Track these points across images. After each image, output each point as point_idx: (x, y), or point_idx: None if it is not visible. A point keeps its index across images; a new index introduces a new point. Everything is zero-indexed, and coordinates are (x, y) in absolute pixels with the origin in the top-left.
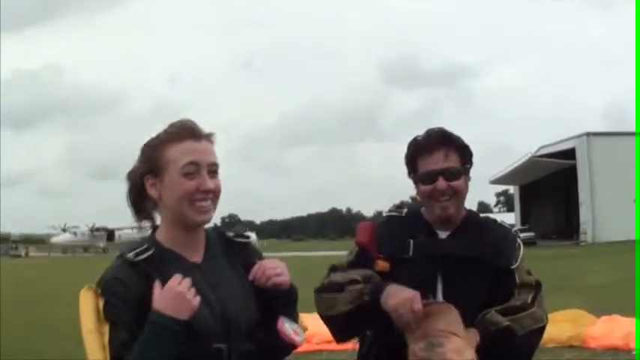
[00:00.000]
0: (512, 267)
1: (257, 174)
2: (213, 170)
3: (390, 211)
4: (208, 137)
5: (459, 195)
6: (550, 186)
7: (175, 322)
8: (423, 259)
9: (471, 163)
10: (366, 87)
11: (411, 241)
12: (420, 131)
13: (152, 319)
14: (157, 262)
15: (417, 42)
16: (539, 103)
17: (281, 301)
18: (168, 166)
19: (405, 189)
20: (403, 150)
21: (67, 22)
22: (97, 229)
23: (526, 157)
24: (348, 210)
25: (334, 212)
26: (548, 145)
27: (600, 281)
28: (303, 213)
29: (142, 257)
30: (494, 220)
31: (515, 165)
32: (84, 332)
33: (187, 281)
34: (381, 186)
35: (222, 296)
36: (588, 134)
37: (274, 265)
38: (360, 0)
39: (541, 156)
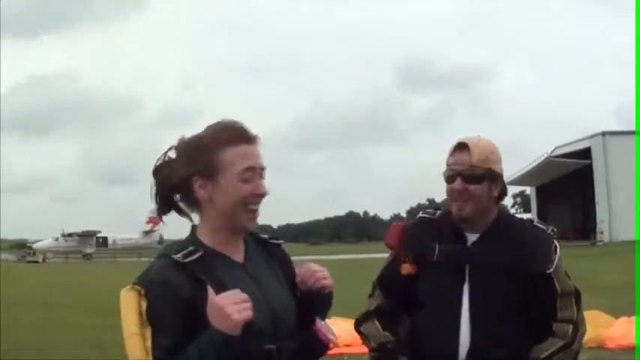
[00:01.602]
0: (549, 271)
1: (273, 177)
2: (263, 174)
3: (423, 212)
4: (258, 141)
5: (476, 200)
6: (566, 186)
7: (226, 337)
8: (449, 264)
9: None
10: (379, 90)
11: (437, 246)
12: (434, 134)
13: (207, 333)
14: (205, 265)
15: (430, 44)
16: (553, 103)
17: (320, 304)
18: (225, 170)
19: (420, 191)
20: (419, 151)
21: (82, 28)
22: (70, 235)
23: (542, 158)
24: (365, 213)
25: (351, 215)
26: (564, 145)
27: (617, 281)
28: (320, 216)
29: (190, 259)
30: (530, 221)
31: (532, 166)
32: (126, 334)
33: (242, 295)
34: (398, 189)
35: (269, 296)
36: (604, 133)
37: (320, 269)
38: (372, 3)
39: (557, 156)
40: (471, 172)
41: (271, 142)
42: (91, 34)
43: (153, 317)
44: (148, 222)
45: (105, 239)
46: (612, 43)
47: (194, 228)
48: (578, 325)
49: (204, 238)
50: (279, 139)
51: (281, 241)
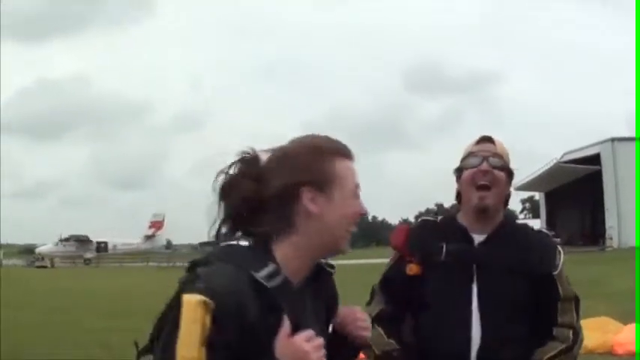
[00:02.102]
0: (554, 273)
1: None
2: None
3: (425, 216)
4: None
5: (499, 187)
6: (575, 192)
7: None
8: (456, 264)
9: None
10: (389, 95)
11: (444, 245)
12: (444, 138)
13: None
14: (285, 293)
15: (439, 49)
16: (562, 108)
17: (350, 353)
18: (338, 182)
19: (429, 197)
20: (428, 157)
21: (92, 32)
22: (67, 239)
23: (551, 164)
24: (374, 218)
25: (360, 220)
26: (573, 151)
27: (626, 286)
28: None
29: (274, 284)
30: (532, 227)
31: (541, 171)
32: (179, 356)
33: (319, 340)
34: (406, 193)
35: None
36: (613, 139)
37: (365, 317)
38: (381, 7)
39: (566, 162)
40: (497, 158)
41: None
42: (101, 38)
43: (215, 337)
44: (150, 227)
45: (105, 244)
46: (624, 48)
47: (267, 242)
48: (578, 331)
49: (287, 260)
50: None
51: (334, 270)
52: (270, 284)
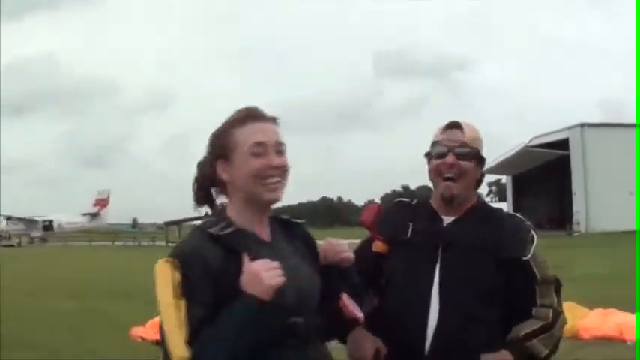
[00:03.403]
0: (526, 258)
1: None
2: (279, 150)
3: (400, 196)
4: (273, 120)
5: (466, 177)
6: (543, 176)
7: (258, 300)
8: (422, 244)
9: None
10: (357, 77)
11: (410, 224)
12: (410, 122)
13: (240, 298)
14: (237, 238)
15: (409, 33)
16: (532, 94)
17: (343, 278)
18: (237, 148)
19: (395, 179)
20: (394, 140)
21: (62, 10)
22: (9, 218)
23: (519, 147)
24: (339, 199)
25: (325, 201)
26: (542, 136)
27: (593, 271)
28: (294, 202)
29: (226, 232)
30: (505, 211)
31: (508, 155)
32: (161, 305)
33: (273, 262)
34: (373, 175)
35: (295, 272)
36: (582, 125)
37: (341, 242)
38: None
39: (534, 146)
40: (464, 148)
41: None
42: (70, 17)
43: (187, 289)
44: (95, 204)
45: (51, 223)
46: (595, 38)
47: (222, 210)
48: (559, 312)
49: (233, 216)
50: None
51: (302, 221)
52: (221, 233)
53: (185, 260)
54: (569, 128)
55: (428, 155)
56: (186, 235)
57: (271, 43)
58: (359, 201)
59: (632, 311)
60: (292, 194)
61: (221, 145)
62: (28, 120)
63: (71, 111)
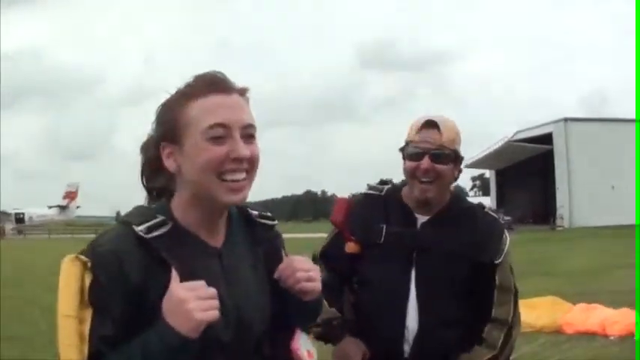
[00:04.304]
0: (496, 262)
1: None
2: (248, 134)
3: (369, 188)
4: (242, 92)
5: (442, 180)
6: (526, 170)
7: (181, 339)
8: (395, 248)
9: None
10: (341, 70)
11: (384, 228)
12: (394, 115)
13: (158, 329)
14: (171, 242)
15: (393, 26)
16: (516, 88)
17: (302, 311)
18: (190, 127)
19: (378, 171)
20: (378, 133)
21: (45, 3)
22: None
23: (503, 142)
24: (323, 192)
25: (309, 194)
26: (525, 130)
27: (577, 266)
28: (277, 195)
29: (155, 234)
30: (482, 207)
31: (491, 149)
32: (59, 315)
33: (210, 290)
34: (356, 169)
35: (240, 298)
36: (566, 119)
37: (307, 267)
38: None
39: (518, 140)
40: (441, 151)
41: None
42: (55, 10)
43: (96, 297)
44: (64, 197)
45: (23, 215)
46: (579, 34)
47: (169, 198)
48: (512, 332)
49: (177, 212)
50: None
51: (274, 222)
52: (149, 236)
53: (100, 261)
54: (553, 122)
55: (402, 152)
56: (108, 229)
57: (255, 35)
58: (343, 194)
59: (616, 306)
60: (276, 188)
61: (169, 122)
62: (11, 112)
63: (54, 104)
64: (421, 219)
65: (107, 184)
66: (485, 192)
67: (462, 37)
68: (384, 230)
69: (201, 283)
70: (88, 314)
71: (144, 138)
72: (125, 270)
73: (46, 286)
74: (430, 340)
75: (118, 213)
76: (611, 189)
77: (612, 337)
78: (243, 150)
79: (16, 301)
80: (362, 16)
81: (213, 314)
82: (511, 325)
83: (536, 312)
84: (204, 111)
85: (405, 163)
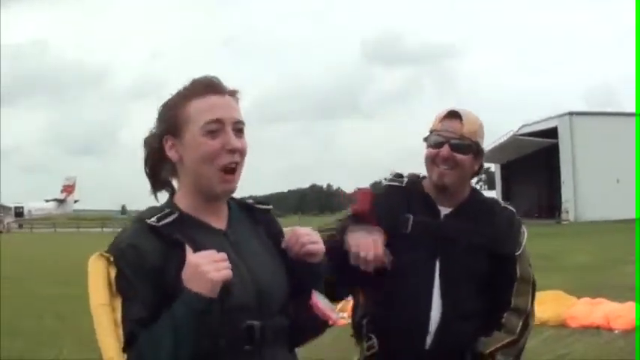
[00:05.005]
0: (516, 254)
1: None
2: (238, 129)
3: (389, 180)
4: (232, 93)
5: (461, 169)
6: (532, 164)
7: (202, 299)
8: (422, 238)
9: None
10: (347, 65)
11: (411, 218)
12: (400, 109)
13: (181, 297)
14: (180, 226)
15: (399, 20)
16: (521, 82)
17: (312, 273)
18: (189, 123)
19: (384, 166)
20: (384, 127)
21: None
22: None
23: (508, 136)
24: (329, 186)
25: (314, 188)
26: (531, 124)
27: (582, 260)
28: (284, 189)
29: (164, 222)
30: (498, 202)
31: (497, 143)
32: (93, 306)
33: (219, 254)
34: (361, 162)
35: (253, 266)
36: (571, 113)
37: (308, 232)
38: None
39: (523, 134)
40: (461, 141)
41: None
42: (61, 4)
43: (123, 286)
44: (62, 191)
45: (22, 209)
46: (584, 28)
47: (172, 193)
48: (529, 320)
49: (181, 203)
50: (245, 111)
51: (269, 206)
52: (160, 224)
53: (121, 255)
54: (559, 116)
55: (425, 140)
56: (125, 228)
57: (261, 30)
58: (348, 188)
59: (621, 300)
60: (282, 181)
61: (171, 118)
62: (17, 107)
63: (61, 98)
64: (444, 211)
65: (113, 178)
66: (491, 186)
67: (467, 30)
68: (411, 220)
69: (212, 250)
70: (118, 303)
71: (146, 133)
72: (144, 258)
73: (50, 280)
74: (451, 332)
75: (123, 207)
76: (616, 183)
77: (617, 331)
78: (236, 142)
79: (21, 295)
80: (368, 10)
81: (227, 273)
82: (528, 315)
83: (540, 306)
84: (202, 109)
85: (426, 151)
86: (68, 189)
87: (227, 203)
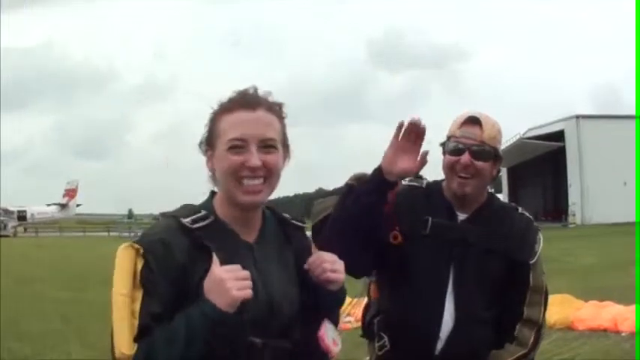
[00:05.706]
0: (531, 262)
1: None
2: (267, 145)
3: (409, 180)
4: (269, 107)
5: (481, 177)
6: (539, 168)
7: (219, 312)
8: (439, 240)
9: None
10: (353, 67)
11: (430, 219)
12: (407, 112)
13: (199, 304)
14: (212, 233)
15: (405, 22)
16: (527, 85)
17: (328, 301)
18: (219, 137)
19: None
20: (390, 130)
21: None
22: None
23: (514, 139)
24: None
25: (321, 192)
26: (537, 127)
27: (589, 263)
28: (290, 193)
29: (199, 225)
30: (516, 208)
31: (504, 147)
32: (114, 293)
33: (244, 272)
34: (369, 166)
35: (270, 284)
36: (578, 117)
37: (332, 259)
38: None
39: (529, 138)
40: (481, 148)
41: None
42: (68, 6)
43: (147, 279)
44: (64, 195)
45: (25, 213)
46: (591, 27)
47: (213, 194)
48: (541, 332)
49: (218, 209)
50: None
51: (304, 224)
52: (194, 226)
53: (150, 248)
54: (565, 120)
55: (442, 147)
56: (157, 222)
57: (268, 31)
58: None
59: (628, 303)
60: (288, 185)
61: (209, 131)
62: (25, 109)
63: (67, 100)
64: (461, 216)
65: (119, 181)
66: (498, 189)
67: (473, 32)
68: (430, 222)
69: (238, 266)
70: (139, 294)
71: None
72: (172, 255)
73: (58, 283)
74: (462, 337)
75: (130, 210)
76: (623, 185)
77: (623, 334)
78: (255, 160)
79: (28, 297)
80: (375, 10)
81: (247, 293)
82: (540, 326)
83: (547, 310)
84: (229, 125)
85: (445, 158)
86: (70, 193)
87: (262, 213)
